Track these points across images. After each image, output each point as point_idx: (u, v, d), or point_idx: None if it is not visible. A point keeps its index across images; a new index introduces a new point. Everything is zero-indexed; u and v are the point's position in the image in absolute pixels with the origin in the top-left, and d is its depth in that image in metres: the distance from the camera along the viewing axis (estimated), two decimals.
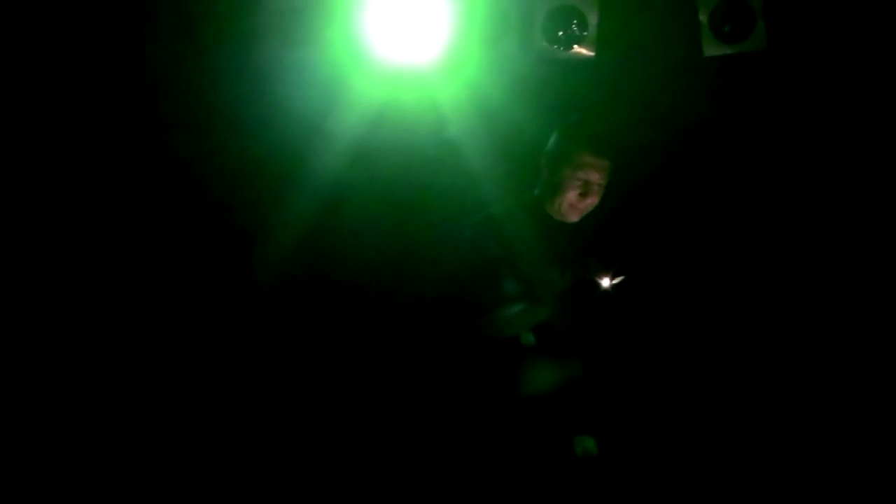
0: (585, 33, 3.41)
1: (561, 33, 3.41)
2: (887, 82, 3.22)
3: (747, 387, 3.45)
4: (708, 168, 3.57)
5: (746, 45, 3.49)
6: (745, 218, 3.58)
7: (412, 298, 3.44)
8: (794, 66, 3.55)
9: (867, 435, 3.31)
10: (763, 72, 3.56)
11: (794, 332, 3.47)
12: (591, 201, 2.85)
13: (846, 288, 3.46)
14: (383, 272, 3.53)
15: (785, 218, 3.55)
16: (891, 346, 3.35)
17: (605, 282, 2.71)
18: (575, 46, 3.42)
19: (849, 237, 3.48)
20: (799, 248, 3.53)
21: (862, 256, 3.45)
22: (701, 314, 3.48)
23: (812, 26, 3.49)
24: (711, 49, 3.51)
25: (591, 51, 3.43)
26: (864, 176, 3.43)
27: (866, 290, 3.43)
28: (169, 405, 3.38)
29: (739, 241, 3.56)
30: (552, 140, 2.91)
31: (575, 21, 3.39)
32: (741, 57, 3.50)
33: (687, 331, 3.47)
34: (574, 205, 2.84)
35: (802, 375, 3.44)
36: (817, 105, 3.53)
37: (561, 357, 2.78)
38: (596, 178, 2.82)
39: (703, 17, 3.49)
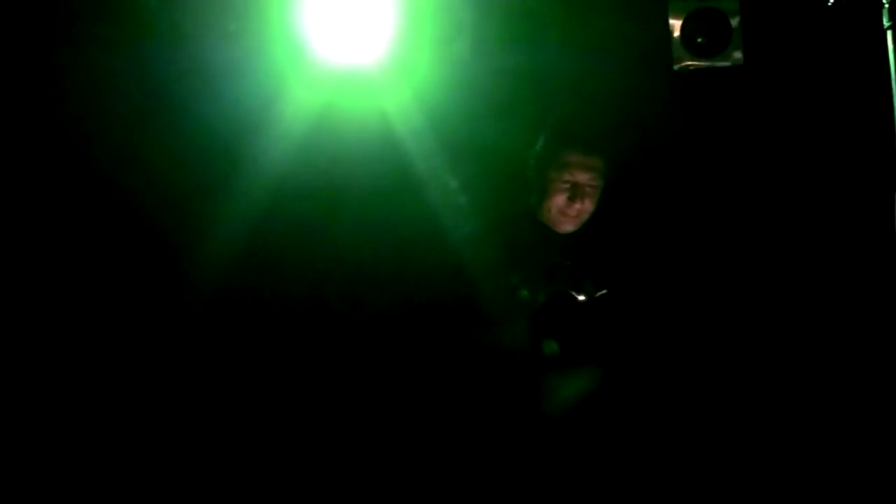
0: (545, 38, 3.26)
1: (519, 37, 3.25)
2: (865, 99, 3.05)
3: (746, 392, 3.33)
4: (673, 184, 3.42)
5: (721, 58, 3.32)
6: (720, 232, 3.44)
7: (368, 312, 3.29)
8: (771, 81, 3.40)
9: (866, 435, 3.21)
10: (739, 87, 3.41)
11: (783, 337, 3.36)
12: (582, 206, 2.67)
13: (830, 300, 3.35)
14: (325, 286, 3.38)
15: (766, 231, 3.41)
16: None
17: (581, 296, 2.58)
18: (534, 51, 3.24)
19: (831, 255, 3.35)
20: (781, 260, 3.39)
21: (845, 269, 3.33)
22: (689, 329, 3.30)
23: (793, 40, 3.35)
24: (682, 61, 3.33)
25: (549, 56, 3.26)
26: (840, 194, 3.31)
27: (842, 303, 3.33)
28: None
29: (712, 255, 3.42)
30: (539, 141, 2.75)
31: (534, 25, 3.23)
32: (715, 71, 3.33)
33: (674, 346, 3.28)
34: (564, 210, 2.67)
35: (794, 382, 3.34)
36: (795, 123, 3.39)
37: (585, 366, 2.67)
38: (585, 178, 2.65)
39: (674, 28, 3.31)
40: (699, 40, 3.30)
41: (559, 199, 2.66)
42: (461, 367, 2.66)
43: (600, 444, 2.70)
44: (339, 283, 3.36)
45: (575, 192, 2.65)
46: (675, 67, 3.33)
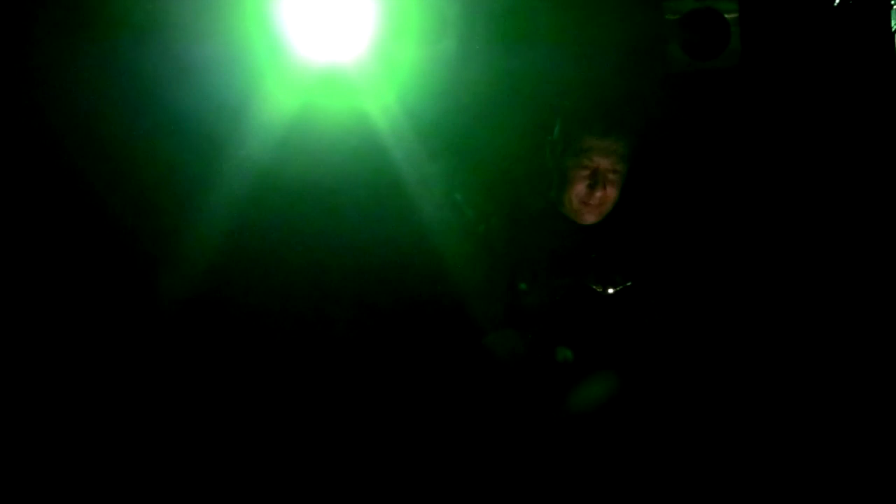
0: (536, 37, 3.14)
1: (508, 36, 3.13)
2: (870, 105, 2.96)
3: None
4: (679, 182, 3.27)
5: (718, 60, 3.25)
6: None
7: (351, 317, 3.19)
8: (771, 85, 3.29)
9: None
10: (737, 90, 3.31)
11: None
12: (605, 194, 2.55)
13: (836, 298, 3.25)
14: (307, 291, 3.26)
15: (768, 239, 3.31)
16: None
17: (609, 289, 2.51)
18: (523, 51, 3.12)
19: (837, 262, 3.24)
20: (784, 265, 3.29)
21: (852, 276, 3.23)
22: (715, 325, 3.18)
23: (795, 43, 3.22)
24: (678, 63, 3.25)
25: (541, 55, 3.12)
26: (845, 202, 3.21)
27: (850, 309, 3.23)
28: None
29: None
30: (556, 128, 2.64)
31: (524, 23, 3.12)
32: (710, 72, 3.26)
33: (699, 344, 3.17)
34: (585, 200, 2.56)
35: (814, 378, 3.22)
36: (796, 129, 3.27)
37: (600, 372, 2.58)
38: (606, 164, 2.53)
39: (670, 28, 3.25)
40: (696, 41, 3.22)
41: (580, 188, 2.55)
42: (453, 376, 2.60)
43: (617, 451, 2.62)
44: (321, 289, 3.26)
45: (596, 180, 2.54)
46: (670, 69, 3.25)
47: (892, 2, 1.94)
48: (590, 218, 2.59)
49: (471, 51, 3.10)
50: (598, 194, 2.55)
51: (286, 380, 3.23)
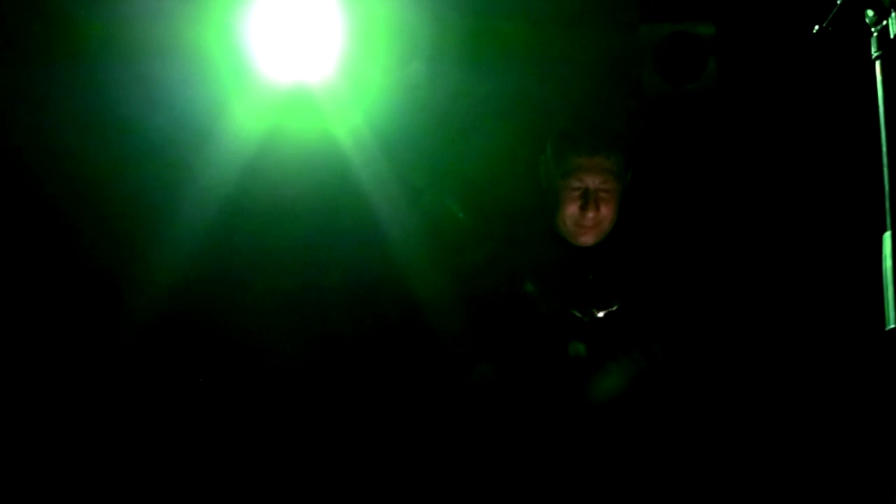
0: (507, 61, 3.09)
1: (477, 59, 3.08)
2: (850, 132, 2.91)
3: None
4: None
5: (694, 84, 3.20)
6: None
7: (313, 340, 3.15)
8: (749, 110, 3.25)
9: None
10: (711, 112, 3.27)
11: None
12: (598, 214, 2.48)
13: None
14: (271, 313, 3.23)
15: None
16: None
17: (600, 313, 2.46)
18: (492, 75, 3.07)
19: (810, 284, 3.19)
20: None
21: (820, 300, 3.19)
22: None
23: (773, 67, 3.19)
24: (653, 86, 3.21)
25: (514, 77, 3.09)
26: (825, 231, 3.18)
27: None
28: None
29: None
30: (547, 149, 2.59)
31: (495, 47, 3.06)
32: (686, 94, 3.22)
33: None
34: (578, 221, 2.48)
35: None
36: (773, 154, 3.24)
37: (612, 366, 2.51)
38: (596, 182, 2.46)
39: (646, 51, 3.20)
40: (672, 65, 3.17)
41: (572, 209, 2.48)
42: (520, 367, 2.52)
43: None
44: (290, 310, 3.22)
45: (587, 199, 2.47)
46: (647, 92, 3.20)
47: (873, 28, 1.89)
48: (586, 239, 2.52)
49: (441, 72, 3.06)
50: (591, 214, 2.48)
51: (253, 400, 3.19)
